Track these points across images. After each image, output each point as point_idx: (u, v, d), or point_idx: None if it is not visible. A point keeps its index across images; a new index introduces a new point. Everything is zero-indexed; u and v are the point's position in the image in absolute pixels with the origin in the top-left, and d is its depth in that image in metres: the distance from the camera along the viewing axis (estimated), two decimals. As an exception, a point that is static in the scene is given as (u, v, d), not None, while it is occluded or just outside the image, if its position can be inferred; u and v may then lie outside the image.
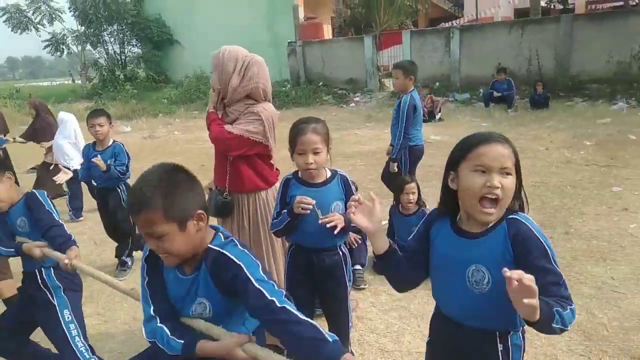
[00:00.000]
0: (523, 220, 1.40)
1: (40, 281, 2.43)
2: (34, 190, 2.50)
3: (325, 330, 1.33)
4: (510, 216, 1.41)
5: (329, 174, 2.38)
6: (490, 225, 1.42)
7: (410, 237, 1.65)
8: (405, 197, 3.94)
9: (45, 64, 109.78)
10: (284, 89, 16.27)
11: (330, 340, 1.29)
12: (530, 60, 12.90)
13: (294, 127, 2.29)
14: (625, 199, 5.14)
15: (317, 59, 16.78)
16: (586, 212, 4.85)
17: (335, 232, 2.18)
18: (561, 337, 2.81)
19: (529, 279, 1.11)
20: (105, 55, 22.09)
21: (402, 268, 1.58)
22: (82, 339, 2.47)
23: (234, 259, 1.44)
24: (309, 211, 2.19)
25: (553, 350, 2.77)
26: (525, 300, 1.13)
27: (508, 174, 1.38)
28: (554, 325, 1.24)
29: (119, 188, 4.09)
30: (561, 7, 18.55)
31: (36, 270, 2.44)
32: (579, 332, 2.92)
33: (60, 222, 2.42)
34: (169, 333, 1.45)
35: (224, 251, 1.46)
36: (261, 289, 1.38)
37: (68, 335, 2.41)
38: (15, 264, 2.70)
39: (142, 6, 20.68)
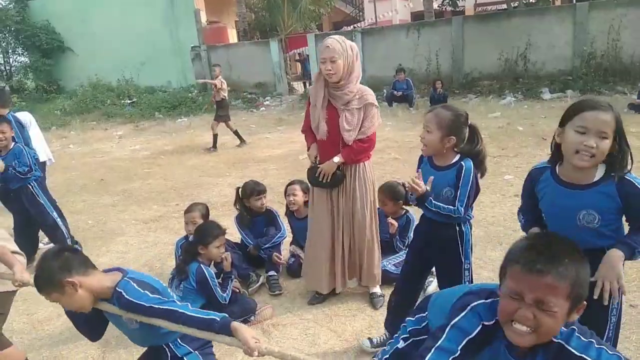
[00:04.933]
0: (632, 180, 1.74)
1: (170, 356, 2.25)
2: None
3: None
4: (620, 174, 1.74)
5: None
6: (598, 178, 1.76)
7: (522, 197, 2.06)
8: (287, 198, 3.99)
9: None
10: (190, 95, 15.77)
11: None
12: (428, 60, 13.66)
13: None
14: (516, 186, 5.58)
15: (223, 63, 16.36)
16: (483, 200, 5.20)
17: None
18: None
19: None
20: (-14, 66, 19.96)
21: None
22: None
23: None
24: None
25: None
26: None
27: (604, 137, 1.67)
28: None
29: (30, 185, 4.33)
30: (452, 9, 19.86)
31: (163, 345, 2.25)
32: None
33: None
34: None
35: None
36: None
37: None
38: (110, 328, 2.35)
39: (27, 12, 18.93)
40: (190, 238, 3.46)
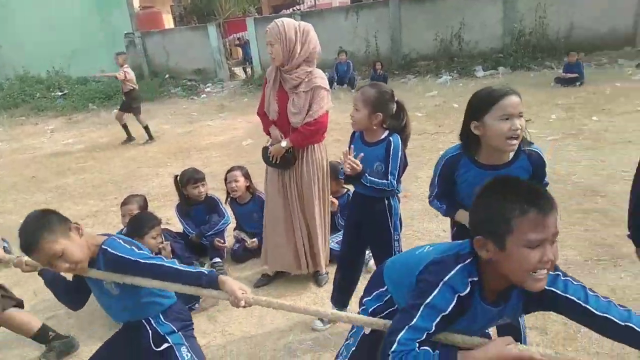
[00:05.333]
0: (538, 152, 1.94)
1: (151, 333, 2.11)
2: None
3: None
4: (529, 148, 1.92)
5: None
6: (513, 156, 1.90)
7: (436, 184, 2.09)
8: (228, 185, 3.95)
9: None
10: (126, 84, 15.13)
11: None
12: (367, 42, 13.80)
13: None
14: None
15: (159, 50, 15.91)
16: (420, 176, 5.38)
17: None
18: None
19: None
20: None
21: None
22: None
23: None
24: None
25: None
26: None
27: (522, 116, 1.82)
28: None
29: None
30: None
31: (143, 321, 2.12)
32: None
33: None
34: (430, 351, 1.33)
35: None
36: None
37: None
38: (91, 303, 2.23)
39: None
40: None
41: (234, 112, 11.01)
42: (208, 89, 14.57)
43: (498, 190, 1.33)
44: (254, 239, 3.85)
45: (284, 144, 3.14)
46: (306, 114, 3.11)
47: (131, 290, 2.00)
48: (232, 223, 4.16)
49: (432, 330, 1.32)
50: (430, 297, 1.33)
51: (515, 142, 1.83)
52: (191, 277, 1.85)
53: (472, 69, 12.16)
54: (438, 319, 1.32)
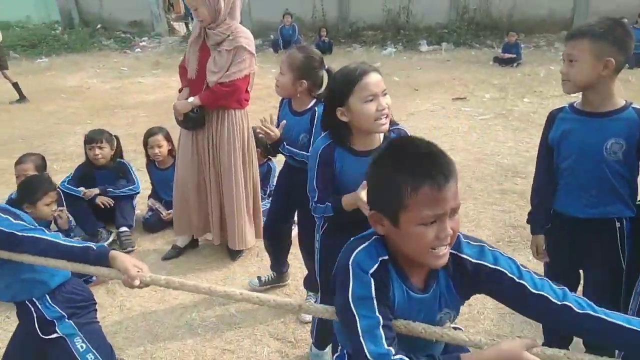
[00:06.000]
0: (404, 130, 1.86)
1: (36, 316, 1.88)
2: None
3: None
4: (396, 128, 1.84)
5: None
6: (384, 138, 1.78)
7: (315, 187, 1.86)
8: (150, 150, 3.70)
9: None
10: (53, 32, 13.92)
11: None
12: (314, 6, 13.40)
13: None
14: (386, 134, 5.76)
15: (92, -3, 14.71)
16: (353, 148, 5.29)
17: None
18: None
19: None
20: None
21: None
22: None
23: None
24: None
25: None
26: None
27: (386, 93, 1.71)
28: None
29: None
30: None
31: (27, 302, 1.89)
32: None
33: None
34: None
35: None
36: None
37: None
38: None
39: None
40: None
41: (170, 69, 10.32)
42: (143, 43, 13.68)
43: (389, 158, 1.18)
44: (169, 211, 3.59)
45: (191, 99, 2.94)
46: (223, 74, 2.92)
47: (10, 265, 1.76)
48: (148, 190, 3.90)
49: (382, 319, 1.16)
50: (350, 288, 1.19)
51: (385, 121, 1.71)
52: (76, 252, 1.64)
53: (417, 43, 12.12)
54: (375, 306, 1.17)
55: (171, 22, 15.25)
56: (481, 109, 6.63)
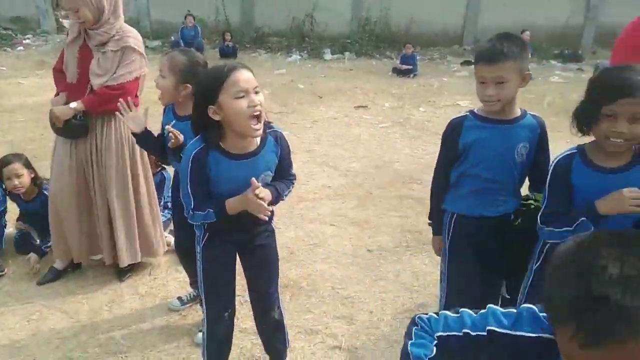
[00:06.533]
0: (280, 131, 1.89)
1: None
2: None
3: None
4: (273, 130, 1.85)
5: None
6: (260, 142, 1.79)
7: (190, 194, 1.79)
8: (7, 182, 3.12)
9: None
10: None
11: None
12: (217, 9, 13.09)
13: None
14: (290, 142, 5.61)
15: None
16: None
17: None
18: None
19: None
20: None
21: None
22: None
23: None
24: None
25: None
26: None
27: (258, 92, 1.69)
28: None
29: None
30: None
31: None
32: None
33: None
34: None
35: None
36: None
37: None
38: None
39: None
40: None
41: (57, 70, 9.53)
42: (27, 41, 12.42)
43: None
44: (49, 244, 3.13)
45: (73, 105, 2.66)
46: (110, 77, 2.68)
47: None
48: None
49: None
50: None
51: (259, 124, 1.68)
52: None
53: (322, 51, 12.32)
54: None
55: (60, 19, 14.03)
56: (381, 117, 6.85)
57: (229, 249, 1.96)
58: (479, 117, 1.92)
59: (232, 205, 1.75)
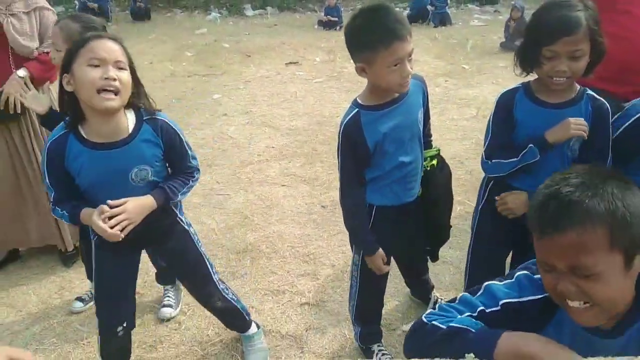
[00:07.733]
0: (166, 121, 1.64)
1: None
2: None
3: None
4: (155, 117, 1.61)
5: None
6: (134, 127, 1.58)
7: (52, 187, 1.61)
8: None
9: None
10: None
11: None
12: (124, -33, 12.08)
13: None
14: (225, 105, 5.53)
15: None
16: (192, 122, 4.97)
17: None
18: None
19: None
20: None
21: None
22: None
23: None
24: None
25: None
26: None
27: (122, 68, 1.50)
28: None
29: None
30: None
31: None
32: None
33: None
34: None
35: None
36: None
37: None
38: None
39: None
40: None
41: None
42: None
43: None
44: None
45: (21, 72, 2.38)
46: (40, 42, 2.45)
47: None
48: None
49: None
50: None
51: (112, 95, 1.47)
52: None
53: (242, 7, 11.85)
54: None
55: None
56: (314, 73, 6.77)
57: (126, 248, 1.63)
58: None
59: (85, 217, 1.55)
